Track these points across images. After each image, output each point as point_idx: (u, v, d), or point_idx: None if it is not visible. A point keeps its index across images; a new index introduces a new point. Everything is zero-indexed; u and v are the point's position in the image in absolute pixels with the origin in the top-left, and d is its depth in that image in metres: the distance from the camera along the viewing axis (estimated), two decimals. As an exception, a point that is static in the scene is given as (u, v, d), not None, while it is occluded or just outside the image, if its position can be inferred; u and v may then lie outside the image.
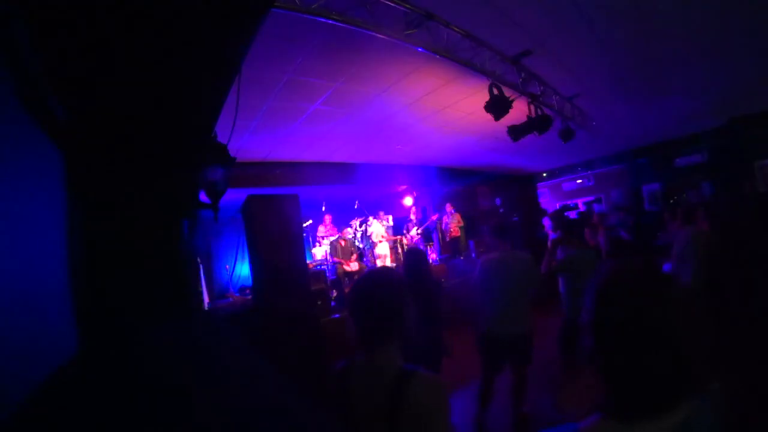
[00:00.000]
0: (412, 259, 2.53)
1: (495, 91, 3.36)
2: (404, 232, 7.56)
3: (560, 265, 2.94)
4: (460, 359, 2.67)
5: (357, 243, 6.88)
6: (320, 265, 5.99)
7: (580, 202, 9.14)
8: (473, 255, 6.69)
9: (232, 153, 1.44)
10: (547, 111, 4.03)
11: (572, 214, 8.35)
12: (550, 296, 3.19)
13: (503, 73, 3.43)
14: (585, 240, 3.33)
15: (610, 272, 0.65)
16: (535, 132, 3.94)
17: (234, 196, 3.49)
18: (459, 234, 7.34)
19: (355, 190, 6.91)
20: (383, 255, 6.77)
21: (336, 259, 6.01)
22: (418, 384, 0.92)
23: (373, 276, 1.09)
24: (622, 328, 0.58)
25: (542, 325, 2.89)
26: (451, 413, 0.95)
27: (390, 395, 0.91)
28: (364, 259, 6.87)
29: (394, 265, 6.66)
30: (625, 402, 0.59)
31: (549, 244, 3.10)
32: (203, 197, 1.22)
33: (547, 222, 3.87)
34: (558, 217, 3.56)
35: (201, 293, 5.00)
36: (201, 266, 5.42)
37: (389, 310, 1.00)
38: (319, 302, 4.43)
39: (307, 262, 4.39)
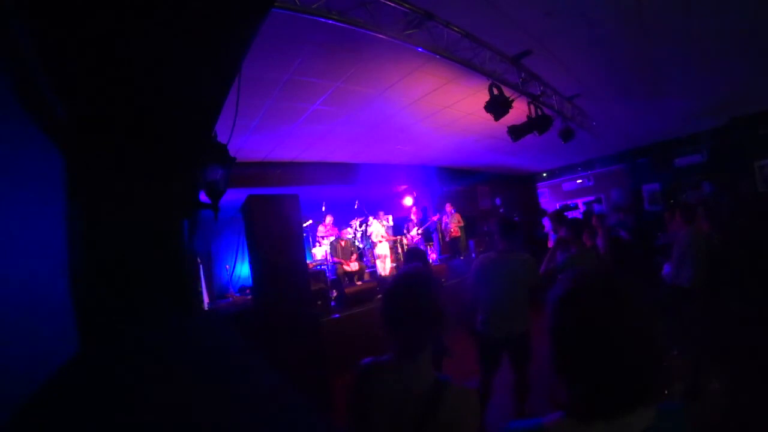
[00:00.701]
0: (412, 259, 2.53)
1: (495, 91, 3.36)
2: (404, 232, 7.55)
3: (563, 265, 2.93)
4: (460, 359, 2.67)
5: (357, 243, 6.87)
6: (320, 265, 5.99)
7: (580, 202, 9.14)
8: (473, 255, 6.69)
9: (232, 153, 1.44)
10: (547, 111, 4.03)
11: (576, 214, 8.34)
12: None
13: (503, 73, 3.43)
14: (583, 241, 3.33)
15: (568, 282, 0.67)
16: (535, 132, 3.95)
17: (234, 196, 3.49)
18: (459, 234, 7.33)
19: (356, 190, 6.91)
20: (383, 255, 6.77)
21: (336, 259, 6.01)
22: (452, 395, 0.91)
23: (419, 278, 1.02)
24: (574, 336, 0.62)
25: (542, 325, 2.89)
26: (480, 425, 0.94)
27: (424, 404, 0.89)
28: (364, 259, 6.87)
29: (394, 265, 6.65)
30: (582, 403, 0.62)
31: (551, 243, 3.09)
32: (203, 197, 1.22)
33: (547, 222, 3.87)
34: (559, 217, 3.55)
35: (201, 293, 5.00)
36: (201, 266, 5.42)
37: (437, 316, 0.96)
38: (319, 302, 4.44)
39: (307, 262, 4.39)
